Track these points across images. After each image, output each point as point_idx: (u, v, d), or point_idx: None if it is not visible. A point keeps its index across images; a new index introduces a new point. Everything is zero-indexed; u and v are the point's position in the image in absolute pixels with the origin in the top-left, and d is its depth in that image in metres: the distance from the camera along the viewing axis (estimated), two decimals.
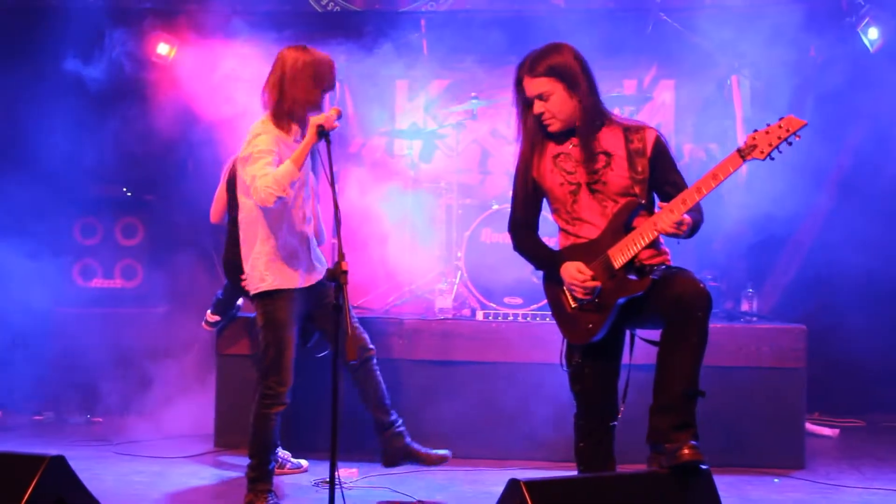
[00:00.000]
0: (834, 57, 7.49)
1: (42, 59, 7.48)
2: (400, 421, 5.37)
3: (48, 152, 7.42)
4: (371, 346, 5.34)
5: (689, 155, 7.78)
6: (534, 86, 4.16)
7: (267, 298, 4.96)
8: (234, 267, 5.99)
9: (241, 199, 5.02)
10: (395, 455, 5.33)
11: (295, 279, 4.98)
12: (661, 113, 8.11)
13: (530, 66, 4.17)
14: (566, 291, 4.14)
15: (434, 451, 5.37)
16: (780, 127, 3.82)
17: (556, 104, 4.15)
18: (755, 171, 7.33)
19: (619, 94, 7.32)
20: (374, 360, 5.34)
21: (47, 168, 7.51)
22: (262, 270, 4.93)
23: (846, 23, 7.55)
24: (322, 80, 4.86)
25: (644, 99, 7.68)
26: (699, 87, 7.86)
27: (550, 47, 4.20)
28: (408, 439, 5.36)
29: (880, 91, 7.45)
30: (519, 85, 4.21)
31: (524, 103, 4.23)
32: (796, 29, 7.25)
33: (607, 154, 4.13)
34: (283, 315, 4.96)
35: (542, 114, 4.17)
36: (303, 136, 4.84)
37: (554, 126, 4.18)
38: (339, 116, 4.68)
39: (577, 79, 4.14)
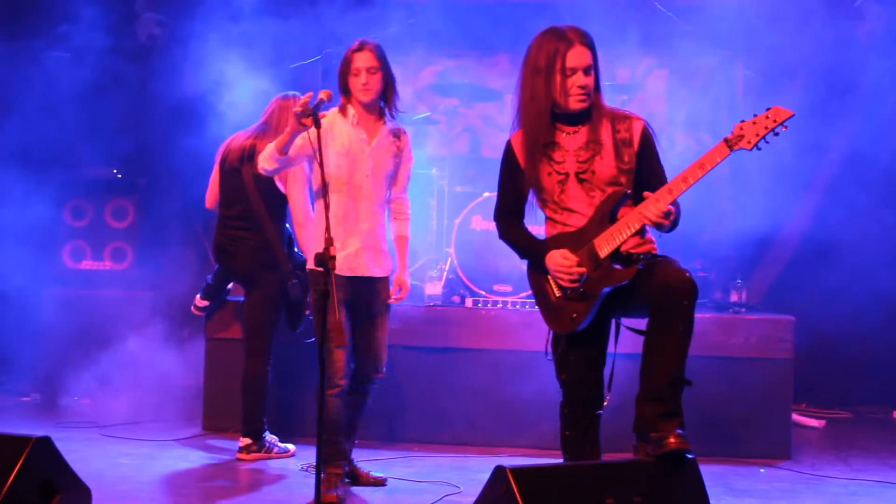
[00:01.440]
0: (830, 45, 7.46)
1: (33, 39, 7.44)
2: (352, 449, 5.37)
3: (39, 133, 7.39)
4: (383, 371, 5.25)
5: (681, 144, 7.77)
6: (587, 56, 4.03)
7: None
8: (224, 251, 5.99)
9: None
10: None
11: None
12: (654, 102, 8.10)
13: (581, 35, 4.04)
14: (550, 280, 4.12)
15: (373, 474, 5.37)
16: (766, 117, 3.79)
17: (593, 81, 4.08)
18: (746, 161, 7.32)
19: (612, 83, 7.31)
20: (374, 388, 5.30)
21: (38, 149, 7.48)
22: None
23: (843, 11, 7.52)
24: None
25: (636, 88, 7.67)
26: (692, 76, 7.84)
27: (578, 27, 4.10)
28: (352, 458, 5.37)
29: (877, 80, 7.42)
30: (553, 57, 4.01)
31: (548, 74, 4.03)
32: (791, 17, 7.23)
33: (597, 143, 4.11)
34: None
35: (583, 87, 4.02)
36: (357, 121, 5.16)
37: (585, 103, 4.06)
38: (329, 99, 4.68)
39: (597, 62, 4.12)
